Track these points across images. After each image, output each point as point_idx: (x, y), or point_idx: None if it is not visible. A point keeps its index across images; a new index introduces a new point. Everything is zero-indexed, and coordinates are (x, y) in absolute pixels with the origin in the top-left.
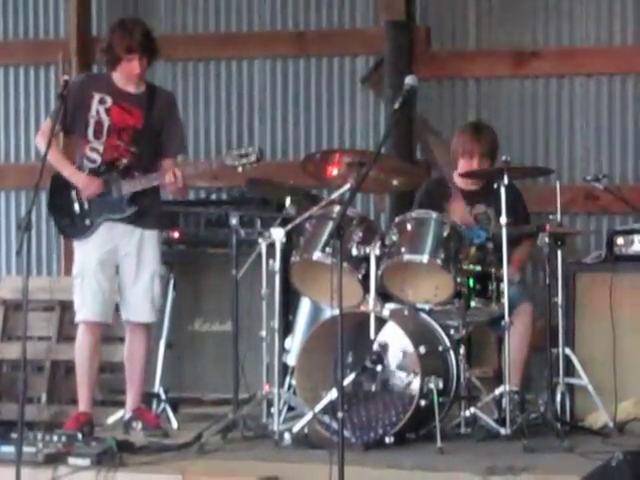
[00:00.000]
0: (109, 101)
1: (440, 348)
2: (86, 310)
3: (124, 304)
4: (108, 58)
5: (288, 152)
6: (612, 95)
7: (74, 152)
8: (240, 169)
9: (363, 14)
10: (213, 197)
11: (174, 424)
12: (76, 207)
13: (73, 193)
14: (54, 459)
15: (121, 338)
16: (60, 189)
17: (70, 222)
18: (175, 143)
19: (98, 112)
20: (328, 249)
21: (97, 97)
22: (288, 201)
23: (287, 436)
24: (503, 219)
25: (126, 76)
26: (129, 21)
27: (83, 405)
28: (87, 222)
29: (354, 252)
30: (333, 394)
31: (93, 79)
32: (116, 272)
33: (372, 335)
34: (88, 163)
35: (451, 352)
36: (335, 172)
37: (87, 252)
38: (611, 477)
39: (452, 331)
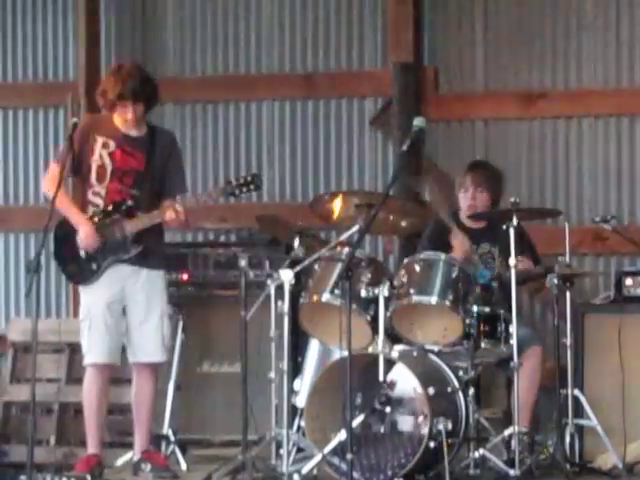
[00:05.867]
0: (112, 145)
1: (449, 389)
2: (94, 353)
3: (131, 346)
4: (104, 102)
5: (297, 194)
6: (620, 136)
7: (79, 195)
8: (240, 196)
9: (371, 56)
10: (222, 238)
11: (183, 466)
12: (82, 252)
13: (78, 239)
14: None
15: (129, 380)
16: (65, 237)
17: (77, 268)
18: (176, 183)
19: (101, 156)
20: (337, 290)
21: (100, 141)
22: (297, 242)
23: (296, 477)
24: (512, 260)
25: (122, 120)
26: (125, 68)
27: (92, 447)
28: (94, 266)
29: (363, 293)
30: (342, 435)
31: (96, 123)
32: (123, 313)
33: (381, 377)
34: (92, 207)
35: (460, 393)
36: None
37: (94, 295)
38: None
39: (461, 372)
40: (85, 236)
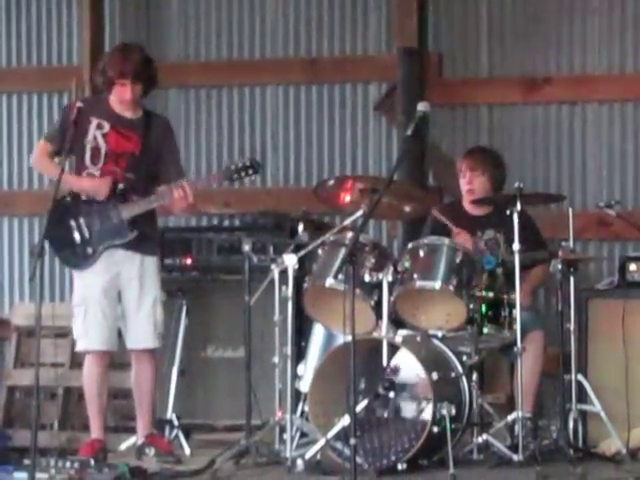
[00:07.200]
0: (107, 126)
1: (453, 374)
2: (90, 340)
3: (127, 332)
4: (103, 80)
5: (300, 179)
6: (624, 122)
7: None
8: (238, 181)
9: (375, 41)
10: (225, 223)
11: (187, 450)
12: (76, 236)
13: (72, 222)
14: None
15: (131, 364)
16: (58, 220)
17: (71, 252)
18: (173, 169)
19: (95, 138)
20: (341, 275)
21: (95, 122)
22: (301, 227)
23: (300, 462)
24: (516, 245)
25: (119, 100)
26: (129, 46)
27: (96, 432)
28: (89, 250)
29: (367, 278)
30: (346, 420)
31: (91, 104)
32: (118, 299)
33: (385, 361)
34: None
35: (463, 378)
36: (348, 198)
37: (89, 280)
38: None
39: (464, 357)
40: (96, 186)
